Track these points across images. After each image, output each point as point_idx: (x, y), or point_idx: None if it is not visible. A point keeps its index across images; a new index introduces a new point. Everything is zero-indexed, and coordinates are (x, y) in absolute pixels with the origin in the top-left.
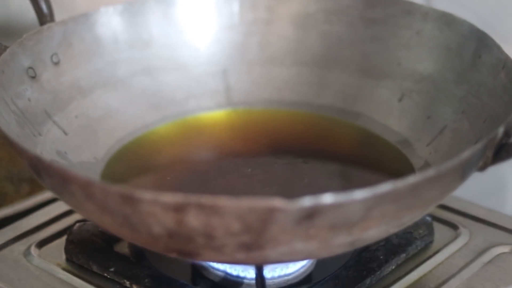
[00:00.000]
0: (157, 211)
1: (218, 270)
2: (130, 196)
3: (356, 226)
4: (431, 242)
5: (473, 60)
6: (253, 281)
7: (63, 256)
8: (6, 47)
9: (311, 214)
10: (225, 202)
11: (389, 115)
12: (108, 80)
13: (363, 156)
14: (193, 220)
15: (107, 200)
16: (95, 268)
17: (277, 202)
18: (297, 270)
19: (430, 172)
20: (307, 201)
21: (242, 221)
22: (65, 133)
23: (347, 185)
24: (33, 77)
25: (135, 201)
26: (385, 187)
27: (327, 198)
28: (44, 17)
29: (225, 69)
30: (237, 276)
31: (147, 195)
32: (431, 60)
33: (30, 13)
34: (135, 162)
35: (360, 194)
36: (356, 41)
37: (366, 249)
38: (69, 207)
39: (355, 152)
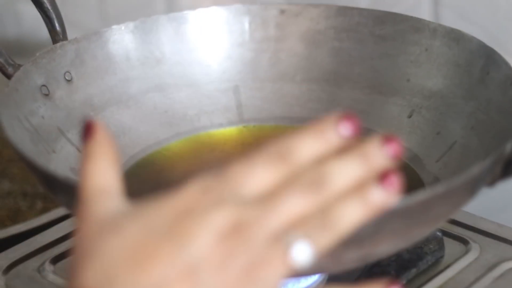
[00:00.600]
0: None
1: None
2: None
3: (366, 241)
4: (441, 257)
5: (482, 76)
6: None
7: None
8: (19, 66)
9: None
10: None
11: (399, 131)
12: (120, 97)
13: None
14: None
15: None
16: None
17: None
18: (308, 286)
19: (440, 188)
20: None
21: None
22: (79, 150)
23: None
24: (47, 95)
25: None
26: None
27: None
28: (57, 35)
29: (237, 85)
30: None
31: None
32: (440, 77)
33: (43, 32)
34: (148, 179)
35: None
36: (366, 57)
37: (377, 264)
38: None
39: None
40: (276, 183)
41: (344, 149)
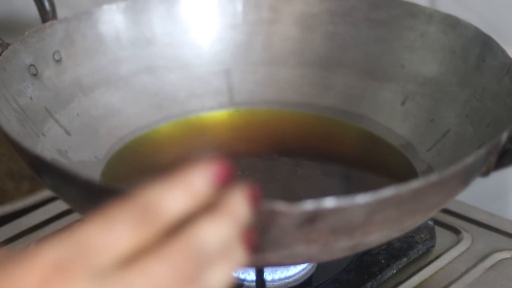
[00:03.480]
0: None
1: None
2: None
3: (357, 230)
4: (432, 246)
5: (477, 64)
6: (253, 284)
7: None
8: (8, 44)
9: (312, 218)
10: None
11: (393, 117)
12: (110, 78)
13: (365, 159)
14: None
15: (107, 200)
16: None
17: (279, 206)
18: (297, 273)
19: (433, 177)
20: (309, 205)
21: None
22: (66, 132)
23: (349, 187)
24: (35, 75)
25: None
26: (388, 191)
27: (329, 202)
28: (47, 14)
29: (228, 68)
30: (237, 278)
31: None
32: (435, 63)
33: (32, 10)
34: (136, 162)
35: (362, 198)
36: (360, 42)
37: (367, 252)
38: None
39: (358, 154)
40: (139, 247)
41: (210, 204)
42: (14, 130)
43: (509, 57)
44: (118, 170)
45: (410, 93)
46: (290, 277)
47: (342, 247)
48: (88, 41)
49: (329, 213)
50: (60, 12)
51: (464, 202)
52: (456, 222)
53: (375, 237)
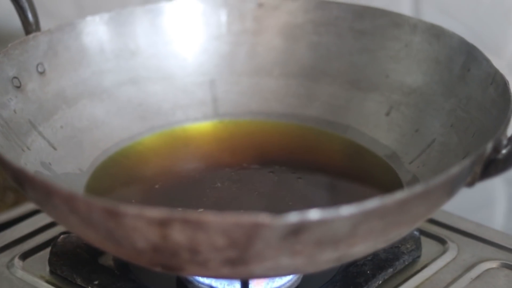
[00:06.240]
0: (141, 225)
1: (203, 284)
2: (114, 210)
3: (342, 242)
4: (418, 257)
5: (462, 74)
6: None
7: (47, 268)
8: None
9: (297, 230)
10: (210, 217)
11: (377, 128)
12: (94, 90)
13: (351, 169)
14: (178, 235)
15: (90, 214)
16: (79, 281)
17: (263, 218)
18: (283, 285)
19: (418, 188)
20: (293, 217)
21: (227, 236)
22: (50, 144)
23: (334, 198)
24: (18, 87)
25: (119, 215)
26: (372, 203)
27: (314, 214)
28: (30, 26)
29: (213, 79)
30: None
31: (131, 209)
32: (419, 73)
33: (15, 22)
34: (120, 173)
35: (347, 210)
36: (345, 52)
37: (353, 263)
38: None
39: (343, 165)
40: None
41: None
42: None
43: (494, 67)
44: (102, 182)
45: (395, 103)
46: None
47: (327, 259)
48: (72, 52)
49: (314, 225)
50: (43, 24)
51: (450, 212)
52: (442, 232)
53: (360, 248)
